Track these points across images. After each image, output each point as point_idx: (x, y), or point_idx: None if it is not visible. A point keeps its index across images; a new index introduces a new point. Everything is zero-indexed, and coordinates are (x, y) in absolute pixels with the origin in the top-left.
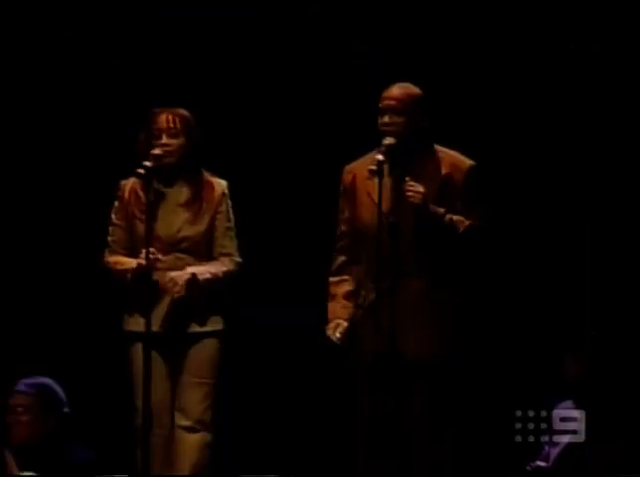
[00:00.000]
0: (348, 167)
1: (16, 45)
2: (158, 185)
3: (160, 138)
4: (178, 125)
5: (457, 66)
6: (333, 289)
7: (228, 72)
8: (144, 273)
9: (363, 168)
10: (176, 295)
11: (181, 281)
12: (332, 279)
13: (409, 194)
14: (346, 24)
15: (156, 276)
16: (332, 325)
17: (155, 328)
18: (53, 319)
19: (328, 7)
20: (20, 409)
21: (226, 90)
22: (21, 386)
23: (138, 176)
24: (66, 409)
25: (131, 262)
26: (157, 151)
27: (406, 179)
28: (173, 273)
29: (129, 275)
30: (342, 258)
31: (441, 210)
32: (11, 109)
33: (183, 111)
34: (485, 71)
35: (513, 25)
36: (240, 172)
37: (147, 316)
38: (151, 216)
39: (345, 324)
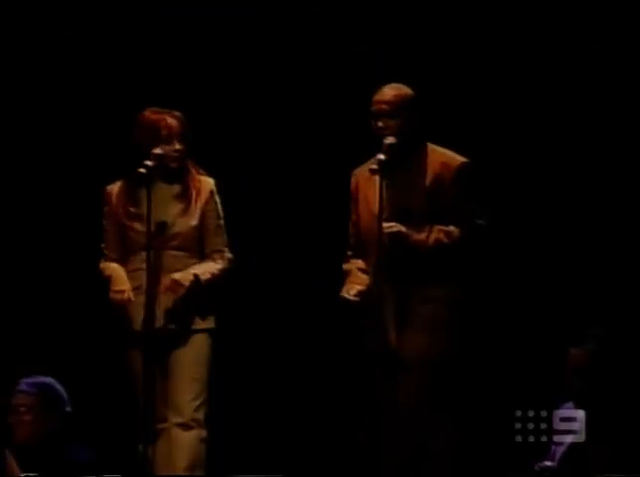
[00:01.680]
0: (354, 171)
1: (16, 45)
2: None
3: (171, 143)
4: (184, 130)
5: (457, 65)
6: (347, 267)
7: (228, 72)
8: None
9: (364, 172)
10: (179, 296)
11: (186, 283)
12: (346, 262)
13: (387, 233)
14: (346, 24)
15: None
16: (346, 288)
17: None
18: (53, 319)
19: (328, 7)
20: (22, 409)
21: (226, 90)
22: (23, 385)
23: (140, 175)
24: (67, 409)
25: (116, 280)
26: (159, 150)
27: (384, 225)
28: (177, 275)
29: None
30: (352, 254)
31: (422, 235)
32: (11, 109)
33: (180, 114)
34: (485, 70)
35: (513, 25)
36: (239, 171)
37: (146, 316)
38: (150, 216)
39: (359, 287)
